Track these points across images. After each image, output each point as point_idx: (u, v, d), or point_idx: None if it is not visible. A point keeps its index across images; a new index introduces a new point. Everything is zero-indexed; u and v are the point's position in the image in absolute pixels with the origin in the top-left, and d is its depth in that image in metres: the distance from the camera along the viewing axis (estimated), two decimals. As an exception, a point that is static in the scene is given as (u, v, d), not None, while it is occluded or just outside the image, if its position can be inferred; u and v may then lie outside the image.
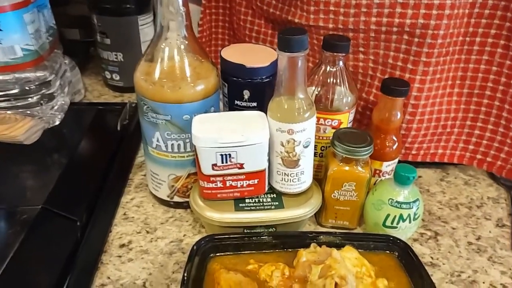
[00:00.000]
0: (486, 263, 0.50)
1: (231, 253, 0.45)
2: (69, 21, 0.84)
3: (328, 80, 0.51)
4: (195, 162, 0.47)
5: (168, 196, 0.54)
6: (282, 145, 0.45)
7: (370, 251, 0.45)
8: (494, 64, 0.54)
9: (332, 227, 0.53)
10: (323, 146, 0.54)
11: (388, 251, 0.46)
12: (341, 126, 0.52)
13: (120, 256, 0.49)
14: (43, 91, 0.58)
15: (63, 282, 0.44)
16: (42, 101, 0.57)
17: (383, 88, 0.51)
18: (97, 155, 0.61)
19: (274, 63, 0.48)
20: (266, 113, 0.46)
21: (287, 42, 0.40)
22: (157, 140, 0.49)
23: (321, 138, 0.53)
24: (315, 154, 0.54)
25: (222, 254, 0.45)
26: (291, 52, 0.40)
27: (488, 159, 0.59)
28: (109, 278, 0.46)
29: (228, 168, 0.46)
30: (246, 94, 0.50)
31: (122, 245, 0.50)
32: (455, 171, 0.65)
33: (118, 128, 0.66)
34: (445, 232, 0.54)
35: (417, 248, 0.51)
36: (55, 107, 0.60)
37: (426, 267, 0.48)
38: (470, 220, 0.56)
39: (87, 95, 0.81)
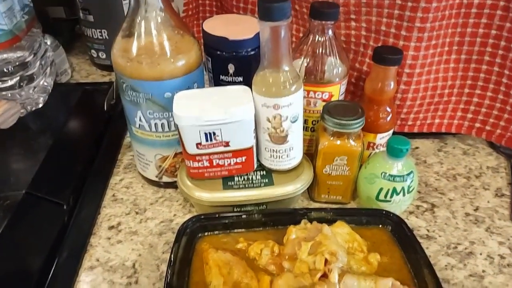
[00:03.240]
0: (484, 234, 0.48)
1: (220, 232, 0.44)
2: (53, -2, 0.81)
3: (317, 51, 0.48)
4: (180, 141, 0.45)
5: (156, 176, 0.53)
6: (269, 120, 0.43)
7: (362, 226, 0.44)
8: (493, 27, 0.51)
9: (326, 203, 0.52)
10: (314, 120, 0.52)
11: (381, 226, 0.44)
12: (333, 99, 0.50)
13: (109, 238, 0.48)
14: (22, 72, 0.55)
15: (50, 266, 0.43)
16: (22, 83, 0.55)
17: (375, 57, 0.48)
18: (83, 136, 0.60)
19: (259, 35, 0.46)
20: (251, 87, 0.44)
21: (267, 10, 0.37)
22: (140, 120, 0.47)
23: (311, 112, 0.51)
24: (306, 128, 0.53)
25: (210, 233, 0.44)
26: (272, 21, 0.38)
27: (487, 127, 0.57)
28: (98, 260, 0.46)
29: (214, 147, 0.44)
30: (231, 68, 0.48)
31: (111, 227, 0.49)
32: (453, 141, 0.63)
33: (105, 108, 0.64)
34: (441, 203, 0.52)
35: (412, 221, 0.50)
36: (36, 89, 0.58)
37: (422, 240, 0.47)
38: (468, 191, 0.54)
39: (74, 75, 0.79)
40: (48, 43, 0.67)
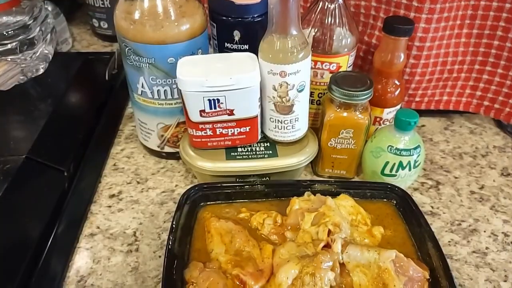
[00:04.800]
0: (488, 212, 0.48)
1: (222, 201, 0.44)
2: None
3: (326, 20, 0.47)
4: (183, 109, 0.44)
5: (158, 146, 0.52)
6: (275, 89, 0.42)
7: (366, 200, 0.44)
8: (507, 0, 0.49)
9: (329, 177, 0.51)
10: (321, 93, 0.51)
11: (385, 199, 0.44)
12: (340, 70, 0.49)
13: (110, 206, 0.48)
14: (21, 36, 0.54)
15: (50, 232, 0.43)
16: (22, 47, 0.54)
17: (385, 27, 0.46)
18: (84, 105, 0.59)
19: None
20: (257, 55, 0.43)
21: (277, -31, 0.36)
22: (142, 86, 0.46)
23: (318, 83, 0.50)
24: (312, 101, 0.51)
25: (213, 203, 0.44)
26: (282, -19, 0.36)
27: (496, 105, 0.56)
28: (98, 227, 0.45)
29: (217, 115, 0.43)
30: (237, 35, 0.46)
31: (112, 196, 0.49)
32: (460, 119, 0.62)
33: (106, 77, 0.62)
34: (447, 181, 0.52)
35: (417, 197, 0.49)
36: (37, 55, 0.56)
37: (426, 216, 0.46)
38: (474, 169, 0.54)
39: (75, 45, 0.77)
40: (49, 9, 0.65)
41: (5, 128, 0.50)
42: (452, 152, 0.56)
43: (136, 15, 0.42)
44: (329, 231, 0.38)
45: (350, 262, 0.36)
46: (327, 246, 0.37)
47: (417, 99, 0.57)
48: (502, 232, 0.45)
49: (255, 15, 0.46)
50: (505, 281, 0.41)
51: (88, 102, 0.59)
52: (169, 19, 0.42)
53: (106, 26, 0.75)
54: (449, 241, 0.44)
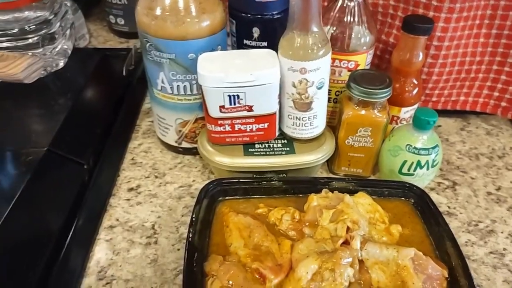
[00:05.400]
0: (506, 213, 0.48)
1: (240, 197, 0.44)
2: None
3: (345, 18, 0.47)
4: (202, 104, 0.44)
5: (176, 142, 0.52)
6: (294, 86, 0.43)
7: (384, 198, 0.44)
8: (529, 0, 0.49)
9: (345, 175, 0.51)
10: (338, 91, 0.51)
11: (403, 198, 0.44)
12: (358, 69, 0.49)
13: (128, 200, 0.48)
14: (43, 31, 0.55)
15: (71, 223, 0.43)
16: (43, 42, 0.55)
17: (405, 26, 0.46)
18: (102, 100, 0.60)
19: (287, -3, 0.45)
20: (277, 52, 0.43)
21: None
22: (162, 82, 0.46)
23: (336, 81, 0.50)
24: (329, 99, 0.51)
25: (231, 198, 0.44)
26: (305, -22, 0.36)
27: (514, 106, 0.55)
28: (117, 220, 0.46)
29: (237, 111, 0.44)
30: (256, 32, 0.47)
31: (131, 189, 0.50)
32: (476, 120, 0.61)
33: (124, 73, 0.63)
34: (463, 181, 0.52)
35: (433, 197, 0.49)
36: (57, 49, 0.57)
37: (442, 216, 0.46)
38: (491, 170, 0.53)
39: (92, 41, 0.78)
40: (68, 5, 0.66)
41: (27, 121, 0.51)
42: (469, 152, 0.56)
43: (158, 11, 0.43)
44: (348, 228, 0.38)
45: (369, 259, 0.36)
46: (346, 243, 0.37)
47: (434, 99, 0.57)
48: (520, 233, 0.45)
49: (275, 12, 0.46)
50: (523, 282, 0.41)
51: (106, 97, 0.60)
52: (190, 15, 0.42)
53: (122, 22, 0.76)
54: (466, 242, 0.44)
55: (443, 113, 0.60)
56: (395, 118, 0.51)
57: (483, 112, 0.59)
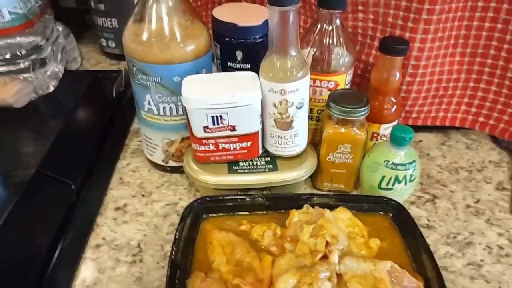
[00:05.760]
0: (484, 225, 0.49)
1: (224, 214, 0.45)
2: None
3: (324, 40, 0.49)
4: (187, 125, 0.46)
5: (163, 161, 0.54)
6: (275, 106, 0.44)
7: (364, 213, 0.45)
8: (499, 21, 0.51)
9: (328, 191, 0.52)
10: (320, 109, 0.53)
11: (382, 212, 0.45)
12: (338, 88, 0.51)
13: (115, 219, 0.49)
14: (34, 56, 0.57)
15: (57, 242, 0.44)
16: (34, 66, 0.57)
17: (381, 47, 0.49)
18: (92, 121, 0.61)
19: (268, 22, 0.47)
20: (258, 74, 0.45)
21: (277, -5, 0.38)
22: (149, 103, 0.48)
23: (317, 101, 0.52)
24: (311, 118, 0.53)
25: (215, 215, 0.45)
26: (280, 6, 0.39)
27: (491, 121, 0.57)
28: (104, 239, 0.47)
29: (220, 130, 0.45)
30: (239, 55, 0.49)
31: (118, 208, 0.51)
32: (457, 135, 0.63)
33: (114, 95, 0.65)
34: (443, 195, 0.53)
35: (413, 210, 0.51)
36: (48, 73, 0.59)
37: (422, 229, 0.47)
38: (470, 184, 0.55)
39: (84, 63, 0.80)
40: (60, 30, 0.68)
41: (17, 143, 0.53)
42: (449, 167, 0.58)
43: (144, 37, 0.44)
44: (327, 243, 0.39)
45: (347, 273, 0.37)
46: (325, 257, 0.38)
47: (414, 115, 0.59)
48: (497, 245, 0.46)
49: (257, 36, 0.48)
50: (499, 293, 0.42)
51: (96, 118, 0.62)
52: (175, 41, 0.44)
53: (113, 45, 0.78)
54: (444, 254, 0.45)
55: (425, 128, 0.62)
56: (375, 135, 0.53)
57: (463, 127, 0.60)
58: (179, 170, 0.54)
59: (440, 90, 0.57)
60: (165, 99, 0.47)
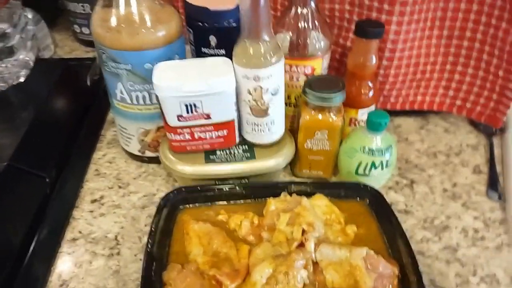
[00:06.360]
0: (460, 208, 0.50)
1: (201, 204, 0.45)
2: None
3: (300, 24, 0.48)
4: (161, 114, 0.45)
5: (139, 151, 0.53)
6: (250, 93, 0.44)
7: (341, 199, 0.45)
8: (474, 1, 0.51)
9: (307, 178, 0.52)
10: (297, 96, 0.52)
11: (358, 199, 0.45)
12: (315, 73, 0.50)
13: (92, 211, 0.48)
14: (1, 44, 0.54)
15: (32, 237, 0.43)
16: (1, 56, 0.54)
17: (357, 30, 0.48)
18: (66, 111, 0.59)
19: (241, 6, 0.45)
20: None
21: (247, -22, 0.37)
22: (121, 92, 0.47)
23: (294, 87, 0.51)
24: (289, 104, 0.53)
25: (192, 205, 0.45)
26: (251, -10, 0.37)
27: (468, 105, 0.57)
28: (80, 232, 0.46)
29: (194, 119, 0.44)
30: (213, 40, 0.47)
31: (94, 200, 0.50)
32: (435, 119, 0.63)
33: (88, 83, 0.63)
34: (421, 180, 0.53)
35: (391, 196, 0.51)
36: (17, 62, 0.57)
37: (400, 214, 0.48)
38: (447, 167, 0.55)
39: (57, 51, 0.77)
40: (30, 16, 0.66)
41: (-14, 136, 0.51)
42: (427, 151, 0.58)
43: (113, 22, 0.43)
44: (303, 231, 0.39)
45: (322, 260, 0.37)
46: (301, 245, 0.38)
47: (392, 99, 0.59)
48: (473, 228, 0.47)
49: (230, 20, 0.47)
50: (474, 275, 0.42)
51: (70, 108, 0.60)
52: (145, 26, 0.43)
53: (87, 32, 0.75)
54: (421, 238, 0.46)
55: (404, 113, 0.62)
56: (353, 120, 0.53)
57: (442, 111, 0.61)
58: (156, 160, 0.53)
59: (418, 73, 0.57)
60: (137, 87, 0.46)
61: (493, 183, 0.52)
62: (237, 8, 0.46)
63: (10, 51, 0.56)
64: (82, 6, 0.72)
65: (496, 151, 0.57)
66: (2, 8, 0.56)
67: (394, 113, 0.61)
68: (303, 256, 0.36)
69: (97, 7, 0.44)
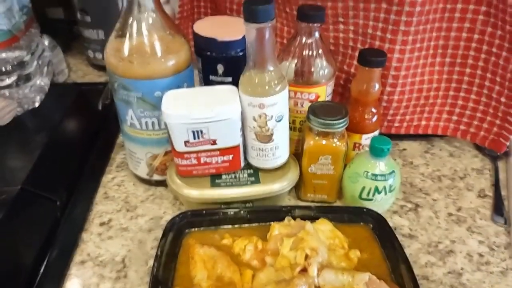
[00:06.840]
0: (465, 233, 0.50)
1: (206, 228, 0.46)
2: (52, -1, 0.83)
3: (305, 53, 0.50)
4: (168, 139, 0.46)
5: (147, 175, 0.54)
6: (255, 119, 0.45)
7: (344, 223, 0.45)
8: (476, 31, 0.52)
9: (312, 202, 0.53)
10: (302, 121, 0.54)
11: (362, 223, 0.46)
12: (319, 100, 0.52)
13: (100, 234, 0.49)
14: (19, 71, 0.57)
15: (42, 259, 0.45)
16: (19, 82, 0.57)
17: (360, 59, 0.49)
18: (78, 135, 0.61)
19: (247, 36, 0.47)
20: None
21: (252, 12, 0.39)
22: (131, 118, 0.48)
23: (299, 112, 0.53)
24: (294, 129, 0.54)
25: (197, 229, 0.46)
26: (256, 23, 0.39)
27: (471, 129, 0.58)
28: (89, 255, 0.47)
29: (201, 144, 0.46)
30: (220, 68, 0.49)
31: (102, 223, 0.51)
32: (440, 143, 0.64)
33: (100, 107, 0.65)
34: (425, 204, 0.54)
35: (396, 220, 0.51)
36: (33, 88, 0.59)
37: (404, 239, 0.48)
38: (452, 191, 0.56)
39: (71, 75, 0.80)
40: (46, 43, 0.69)
41: (2, 160, 0.53)
42: (432, 175, 0.58)
43: (125, 52, 0.45)
44: (307, 256, 0.39)
45: (325, 285, 0.37)
46: (305, 270, 0.39)
47: (396, 124, 0.60)
48: (477, 253, 0.47)
49: (237, 50, 0.49)
50: (479, 301, 0.42)
51: (82, 132, 0.62)
52: (155, 56, 0.45)
53: (100, 57, 0.78)
54: (425, 263, 0.46)
55: (409, 137, 0.63)
56: (357, 145, 0.54)
57: (447, 135, 0.61)
58: (163, 183, 0.54)
59: (421, 99, 0.58)
60: (147, 113, 0.48)
61: (498, 207, 0.52)
62: (243, 38, 0.48)
63: (27, 78, 0.59)
64: (97, 32, 0.75)
65: (501, 175, 0.57)
66: (23, 37, 0.58)
67: (399, 137, 0.62)
68: (306, 281, 0.36)
69: (111, 37, 0.46)
